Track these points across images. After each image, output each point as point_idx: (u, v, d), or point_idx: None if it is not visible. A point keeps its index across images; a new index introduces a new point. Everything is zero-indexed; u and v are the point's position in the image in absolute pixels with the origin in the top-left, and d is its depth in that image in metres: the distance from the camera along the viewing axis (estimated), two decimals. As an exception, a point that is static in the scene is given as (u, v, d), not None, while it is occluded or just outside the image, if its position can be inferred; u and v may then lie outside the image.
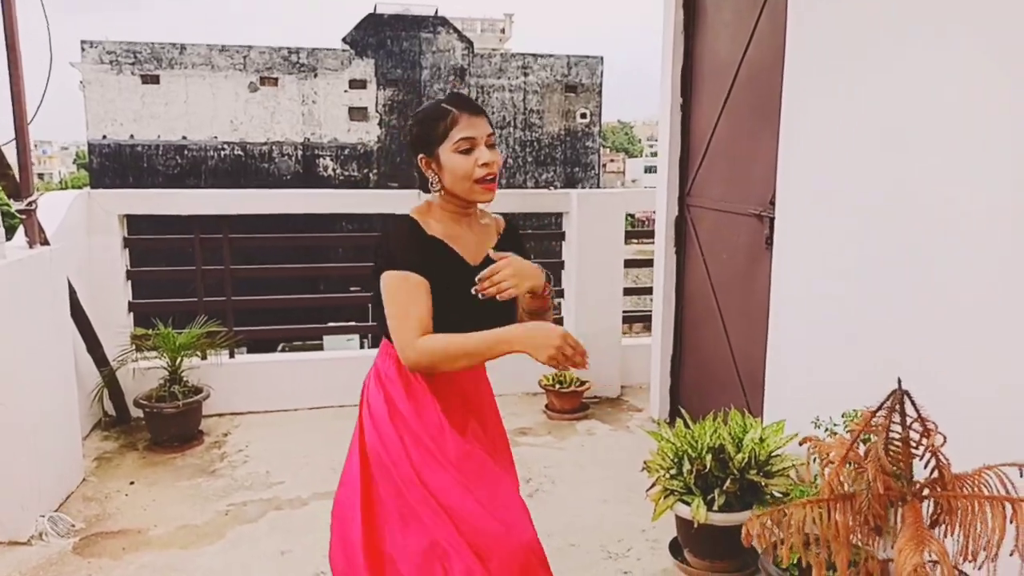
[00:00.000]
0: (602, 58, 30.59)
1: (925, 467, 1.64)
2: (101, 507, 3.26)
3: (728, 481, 2.62)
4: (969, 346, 2.02)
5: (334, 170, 28.36)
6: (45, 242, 3.31)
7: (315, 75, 28.29)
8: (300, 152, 28.31)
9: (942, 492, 1.56)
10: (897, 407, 1.59)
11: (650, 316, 4.40)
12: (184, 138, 27.75)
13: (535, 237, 7.10)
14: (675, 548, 2.86)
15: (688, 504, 2.63)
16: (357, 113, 28.62)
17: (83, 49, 27.01)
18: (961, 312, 2.04)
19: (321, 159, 28.49)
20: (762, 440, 2.71)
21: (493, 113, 28.90)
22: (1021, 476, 1.58)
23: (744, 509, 2.61)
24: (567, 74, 30.30)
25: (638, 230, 5.07)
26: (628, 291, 4.92)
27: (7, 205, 3.10)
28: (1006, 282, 1.90)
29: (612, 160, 70.14)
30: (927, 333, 2.16)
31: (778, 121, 2.90)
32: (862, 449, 1.67)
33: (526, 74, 29.79)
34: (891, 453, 1.61)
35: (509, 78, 29.61)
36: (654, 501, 2.72)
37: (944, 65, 2.08)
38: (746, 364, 3.35)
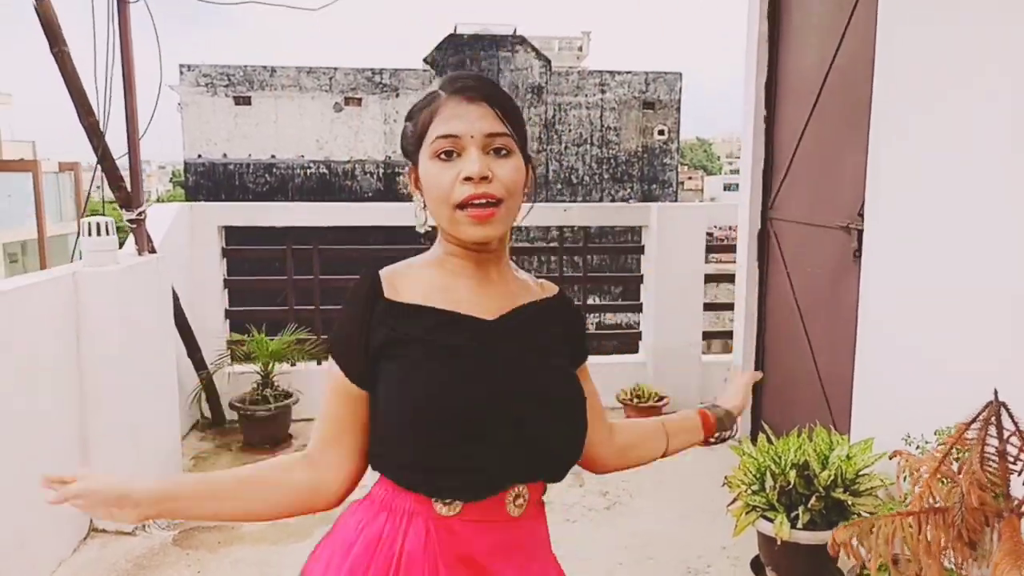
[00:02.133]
0: (680, 74, 30.30)
1: (1025, 484, 1.59)
2: (198, 502, 3.43)
3: (813, 499, 2.56)
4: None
5: (414, 187, 28.96)
6: (152, 250, 3.54)
7: (397, 95, 29.04)
8: (381, 170, 29.05)
9: (1043, 509, 1.51)
10: (993, 419, 1.55)
11: (729, 333, 4.35)
12: (273, 156, 28.89)
13: (613, 251, 7.10)
14: (756, 566, 2.81)
15: (771, 520, 2.58)
16: (437, 131, 29.17)
17: (181, 72, 28.52)
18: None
19: (402, 176, 29.11)
20: (849, 458, 2.64)
21: (570, 130, 29.05)
22: None
23: (829, 528, 2.55)
24: (644, 91, 30.13)
25: (717, 245, 5.00)
26: (708, 307, 4.87)
27: (119, 215, 3.31)
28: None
29: (690, 178, 69.22)
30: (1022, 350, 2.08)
31: (867, 131, 2.85)
32: (956, 466, 1.63)
33: (603, 91, 29.77)
34: (987, 467, 1.57)
35: (586, 95, 29.66)
36: (735, 516, 2.69)
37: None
38: (832, 381, 3.27)
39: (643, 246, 4.74)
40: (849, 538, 1.58)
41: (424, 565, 1.08)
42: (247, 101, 28.76)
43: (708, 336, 5.02)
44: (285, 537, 3.12)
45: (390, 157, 29.02)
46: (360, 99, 29.04)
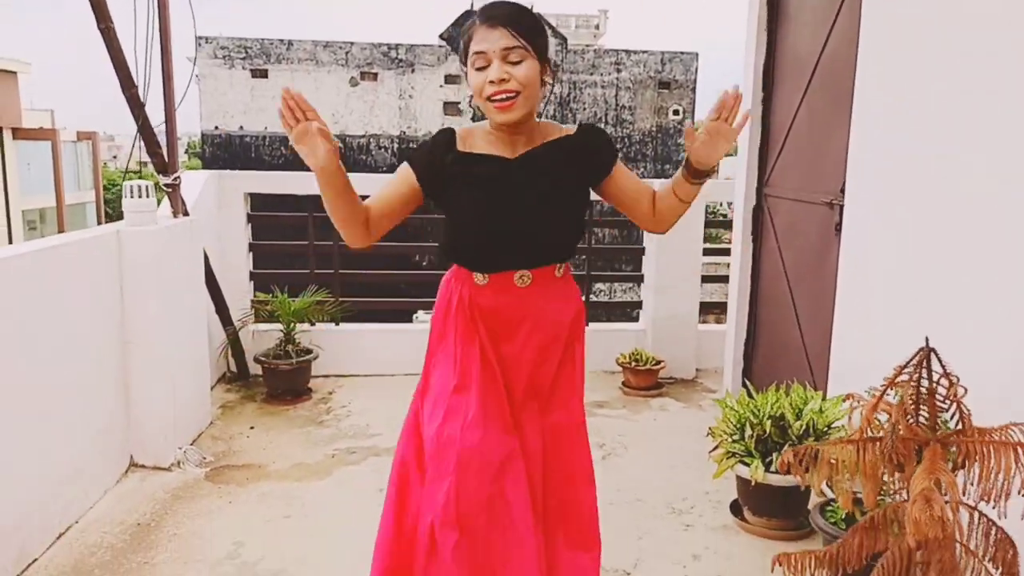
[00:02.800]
0: (697, 54, 30.22)
1: (951, 419, 1.85)
2: (227, 445, 3.75)
3: (786, 446, 2.83)
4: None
5: (428, 163, 29.16)
6: (186, 213, 3.81)
7: (412, 70, 29.18)
8: (396, 145, 29.25)
9: (963, 438, 1.76)
10: (924, 363, 1.80)
11: (724, 304, 4.59)
12: (289, 130, 29.12)
13: (619, 224, 7.34)
14: (735, 508, 3.09)
15: (747, 465, 2.86)
16: (451, 108, 29.29)
17: (199, 45, 28.72)
18: (1016, 296, 2.20)
19: (416, 151, 29.32)
20: (821, 411, 2.91)
21: (584, 109, 29.10)
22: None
23: (800, 472, 2.82)
24: (660, 70, 30.10)
25: (715, 220, 5.22)
26: (705, 279, 5.11)
27: (155, 179, 3.58)
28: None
29: (705, 158, 68.86)
30: (983, 313, 2.32)
31: (850, 113, 3.08)
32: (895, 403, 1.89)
33: (619, 70, 29.74)
34: (919, 404, 1.82)
35: (602, 74, 29.67)
36: (716, 462, 2.96)
37: (1015, 59, 2.24)
38: (814, 345, 3.52)
39: (646, 220, 4.97)
40: (795, 459, 1.84)
41: (466, 309, 1.84)
42: (264, 74, 28.98)
43: (705, 308, 5.27)
44: (307, 476, 3.42)
45: (404, 132, 29.21)
46: (376, 74, 29.20)
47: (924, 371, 1.81)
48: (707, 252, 5.22)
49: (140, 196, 3.29)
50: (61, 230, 30.43)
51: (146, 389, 3.39)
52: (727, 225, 5.19)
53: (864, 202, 3.00)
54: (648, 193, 1.86)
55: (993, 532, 1.83)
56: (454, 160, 1.76)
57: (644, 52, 30.08)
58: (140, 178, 3.47)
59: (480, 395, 1.81)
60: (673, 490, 3.32)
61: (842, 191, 3.18)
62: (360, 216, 1.75)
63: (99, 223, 33.38)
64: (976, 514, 1.84)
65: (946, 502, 1.63)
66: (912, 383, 1.81)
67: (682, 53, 30.29)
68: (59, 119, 37.22)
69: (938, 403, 1.82)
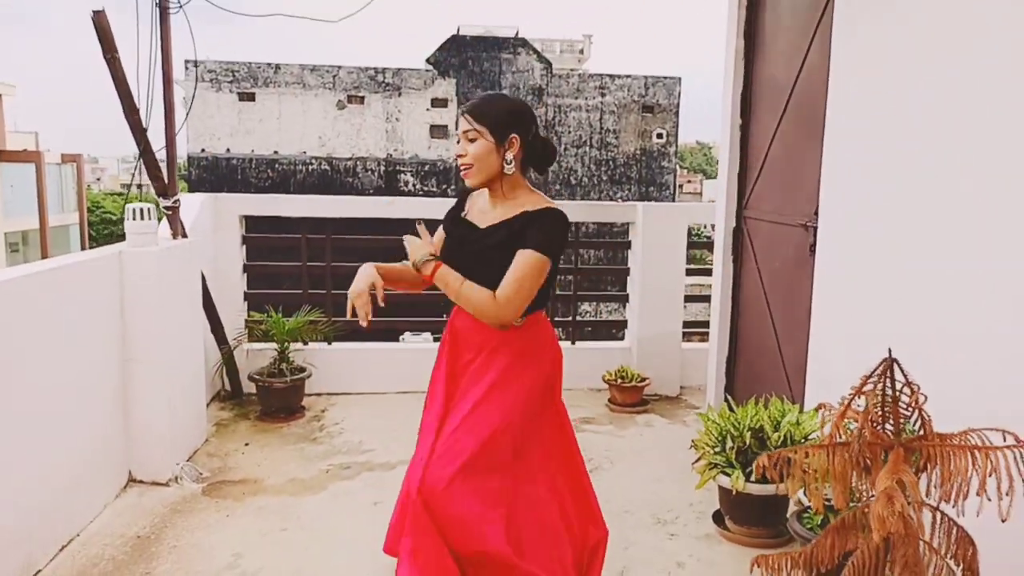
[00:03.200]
0: (680, 79, 30.71)
1: (914, 425, 1.98)
2: (222, 462, 3.83)
3: (788, 481, 2.95)
4: (994, 344, 2.34)
5: (414, 185, 29.35)
6: (184, 235, 3.92)
7: (399, 94, 29.43)
8: (383, 167, 29.43)
9: (924, 443, 1.90)
10: (888, 373, 1.94)
11: (707, 324, 4.74)
12: (275, 152, 29.25)
13: (605, 246, 7.51)
14: (718, 518, 3.21)
15: (729, 475, 2.98)
16: (438, 131, 29.55)
17: (187, 68, 28.87)
18: (979, 312, 2.36)
19: (402, 174, 29.52)
20: (798, 423, 3.04)
21: (569, 132, 29.46)
22: (1004, 440, 1.90)
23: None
24: (644, 94, 30.53)
25: (699, 242, 5.36)
26: (692, 299, 5.26)
27: (156, 202, 3.69)
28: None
29: (689, 181, 69.61)
30: (944, 327, 2.47)
31: (822, 139, 3.25)
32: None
33: (603, 94, 30.15)
34: (885, 411, 1.96)
35: (586, 98, 30.05)
36: (699, 472, 3.09)
37: (972, 87, 2.41)
38: (792, 361, 3.67)
39: (630, 242, 5.13)
40: (770, 463, 1.97)
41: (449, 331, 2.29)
42: (251, 97, 29.14)
43: (689, 329, 5.41)
44: (302, 491, 3.51)
45: (391, 155, 29.41)
46: (363, 97, 29.43)
47: (888, 380, 1.94)
48: (692, 272, 5.38)
49: (142, 218, 3.40)
50: (44, 253, 30.25)
51: (145, 406, 3.48)
52: (710, 247, 5.36)
53: (836, 224, 3.16)
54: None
55: (954, 531, 1.96)
56: (454, 221, 2.29)
57: (628, 76, 30.55)
58: (127, 201, 3.58)
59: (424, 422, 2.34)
60: (658, 502, 3.43)
61: (816, 213, 3.35)
62: (414, 278, 2.27)
63: (83, 246, 33.23)
64: (938, 514, 1.97)
65: (908, 501, 1.76)
66: (877, 392, 1.95)
67: (665, 78, 30.77)
68: (42, 142, 37.07)
69: (901, 410, 1.95)
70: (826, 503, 2.45)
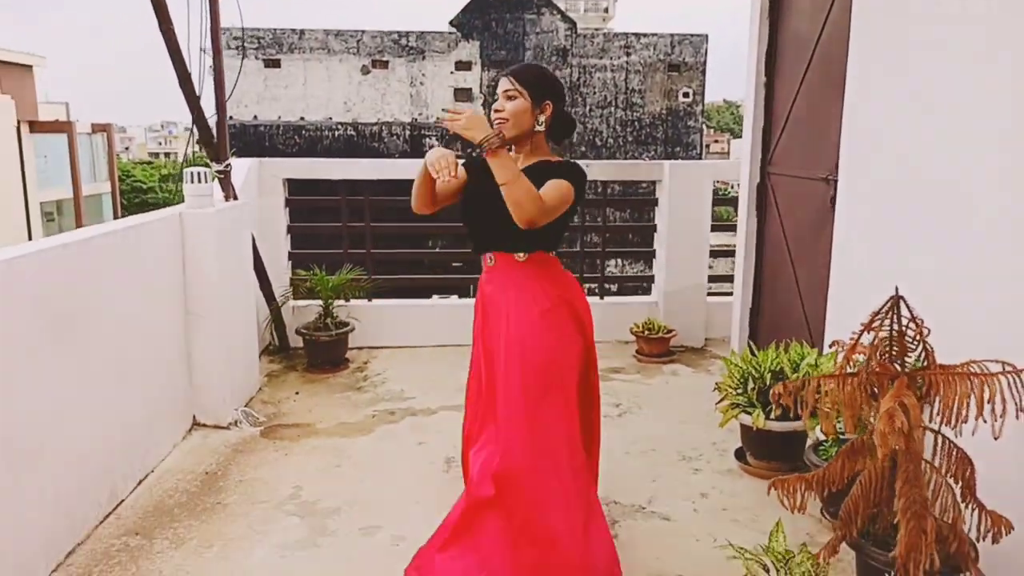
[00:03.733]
0: (707, 36, 30.24)
1: (919, 358, 2.17)
2: (276, 408, 4.12)
3: (802, 408, 3.16)
4: (993, 283, 2.50)
5: (440, 149, 29.41)
6: (236, 197, 4.16)
7: (423, 57, 29.39)
8: (408, 132, 29.54)
9: (927, 372, 2.09)
10: (894, 309, 2.13)
11: (732, 279, 4.91)
12: (302, 119, 29.46)
13: (632, 203, 7.64)
14: (739, 454, 3.43)
15: (750, 414, 3.19)
16: (462, 94, 29.53)
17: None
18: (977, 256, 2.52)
19: (427, 138, 29.59)
20: (816, 365, 3.23)
21: (594, 93, 29.28)
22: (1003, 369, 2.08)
23: (795, 420, 3.15)
24: (670, 53, 30.15)
25: (727, 198, 5.50)
26: (715, 253, 5.43)
27: (208, 166, 3.93)
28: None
29: (716, 140, 68.72)
30: (952, 271, 2.64)
31: (843, 96, 3.38)
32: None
33: (628, 54, 29.82)
34: (892, 344, 2.15)
35: (611, 58, 29.77)
36: (722, 412, 3.30)
37: (995, 48, 2.54)
38: (812, 309, 3.84)
39: (656, 199, 5.29)
40: (785, 391, 2.18)
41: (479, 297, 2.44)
42: (276, 64, 29.29)
43: (716, 280, 5.58)
44: (352, 432, 3.79)
45: (416, 119, 29.48)
46: (387, 62, 29.44)
47: (895, 316, 2.13)
48: (717, 228, 5.53)
49: (199, 181, 3.64)
50: (79, 222, 30.92)
51: (206, 356, 3.76)
52: (735, 204, 5.50)
53: (854, 175, 3.31)
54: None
55: (954, 452, 2.16)
56: (478, 166, 2.36)
57: (653, 35, 30.15)
58: (184, 166, 3.82)
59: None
60: (683, 441, 3.66)
61: (836, 167, 3.49)
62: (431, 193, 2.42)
63: (115, 214, 33.88)
64: (940, 437, 2.17)
65: (909, 421, 1.96)
66: (884, 327, 2.14)
67: (691, 36, 30.33)
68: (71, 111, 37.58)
69: (907, 343, 2.14)
70: (840, 435, 2.66)
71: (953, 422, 2.05)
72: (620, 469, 3.36)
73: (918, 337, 2.12)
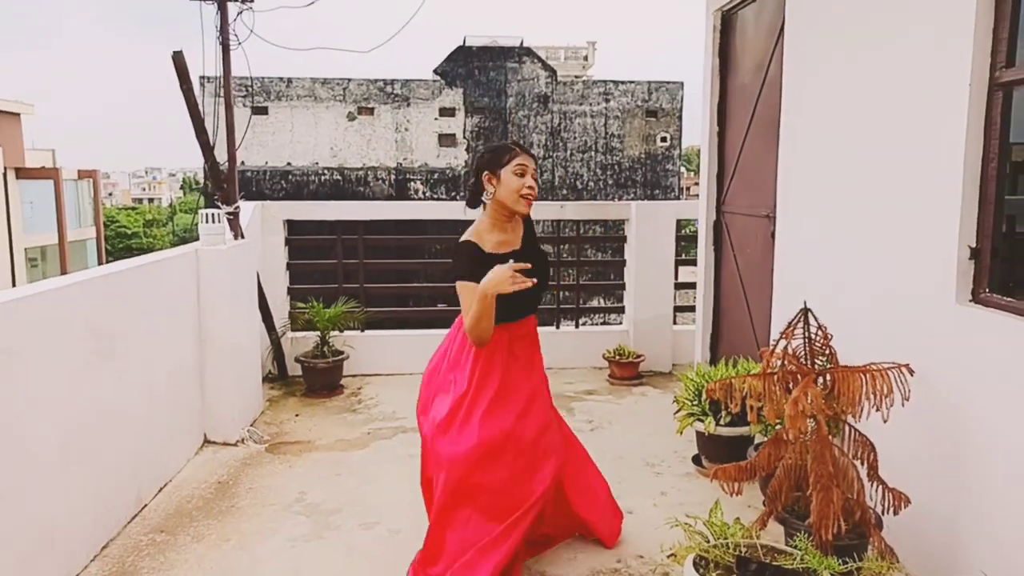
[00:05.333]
0: (682, 83, 31.28)
1: (827, 360, 2.63)
2: (279, 428, 4.50)
3: (731, 403, 3.60)
4: (896, 297, 2.98)
5: (424, 193, 30.02)
6: (243, 236, 4.60)
7: (408, 104, 30.18)
8: (393, 176, 30.16)
9: (830, 370, 2.55)
10: (803, 320, 2.59)
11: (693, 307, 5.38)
12: (288, 164, 30.03)
13: (603, 240, 8.15)
14: (696, 460, 3.86)
15: (702, 421, 3.63)
16: (446, 139, 30.26)
17: (202, 84, 29.66)
18: (880, 278, 3.01)
19: (412, 183, 30.21)
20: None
21: (575, 138, 30.15)
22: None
23: (743, 426, 3.59)
24: (647, 99, 31.13)
25: (688, 235, 6.04)
26: (678, 286, 5.91)
27: (220, 208, 4.37)
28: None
29: (696, 183, 70.25)
30: (860, 290, 3.12)
31: (778, 142, 3.90)
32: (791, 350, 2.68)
33: (607, 100, 30.76)
34: (809, 349, 2.61)
35: (591, 104, 30.69)
36: (679, 421, 3.74)
37: (891, 96, 3.06)
38: (760, 331, 4.31)
39: (626, 236, 5.79)
40: (716, 389, 2.62)
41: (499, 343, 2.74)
42: (264, 111, 29.95)
43: (684, 310, 6.06)
44: (349, 447, 4.18)
45: (401, 164, 30.17)
46: (372, 108, 30.20)
47: (805, 326, 2.60)
48: (684, 263, 6.02)
49: (213, 222, 4.09)
50: (64, 268, 31.08)
51: (217, 379, 4.16)
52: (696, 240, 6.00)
53: (788, 213, 3.81)
54: None
55: (858, 438, 2.61)
56: (483, 262, 2.60)
57: (631, 82, 31.18)
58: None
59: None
60: (648, 451, 4.08)
61: (775, 205, 4.00)
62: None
63: (99, 260, 34.09)
64: (846, 427, 2.62)
65: (812, 408, 2.41)
66: (795, 335, 2.61)
67: (668, 83, 31.40)
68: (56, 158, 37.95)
69: (815, 348, 2.61)
70: (769, 425, 3.11)
71: (855, 412, 2.51)
72: (590, 474, 3.77)
73: (824, 342, 2.58)
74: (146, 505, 3.43)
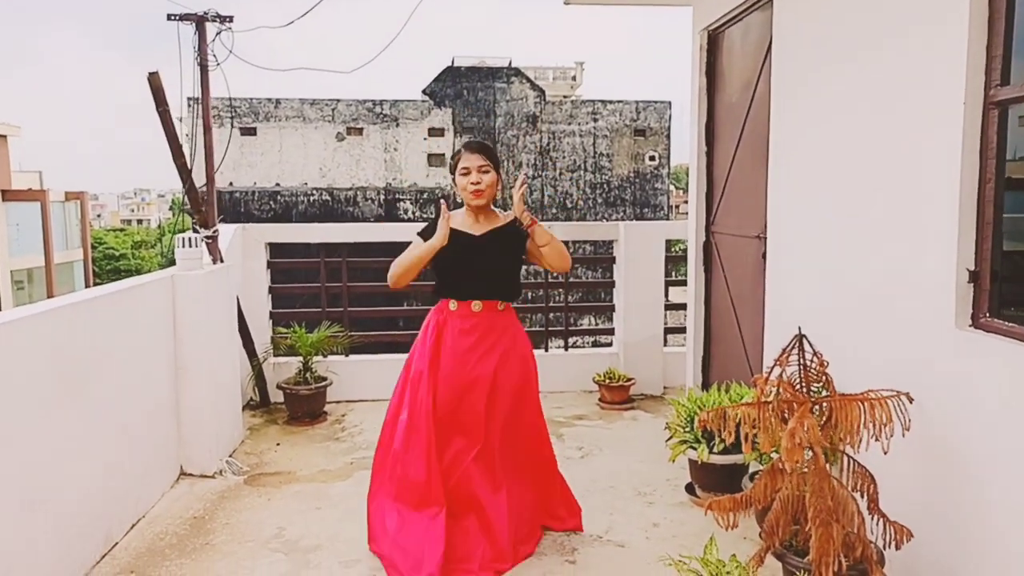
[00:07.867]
0: (670, 102, 31.49)
1: (823, 388, 2.53)
2: (259, 458, 4.36)
3: (724, 433, 3.50)
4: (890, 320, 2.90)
5: (413, 213, 29.97)
6: (222, 260, 4.49)
7: (397, 124, 30.21)
8: (382, 196, 30.12)
9: (827, 398, 2.45)
10: (799, 346, 2.50)
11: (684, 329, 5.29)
12: (277, 185, 29.95)
13: (592, 260, 8.06)
14: (689, 488, 3.74)
15: (695, 449, 3.52)
16: (435, 159, 30.27)
17: (190, 105, 29.53)
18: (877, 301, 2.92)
19: (401, 202, 30.19)
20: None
21: (564, 157, 30.21)
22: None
23: (736, 454, 3.48)
24: (636, 118, 31.29)
25: (677, 255, 5.95)
26: (669, 306, 5.82)
27: (198, 231, 4.26)
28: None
29: (686, 201, 70.65)
30: (856, 313, 3.03)
31: (767, 163, 3.83)
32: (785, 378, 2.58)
33: (596, 119, 30.90)
34: (804, 376, 2.52)
35: (579, 124, 30.81)
36: (672, 448, 3.62)
37: (884, 115, 2.99)
38: (753, 353, 4.22)
39: (614, 257, 5.70)
40: (709, 418, 2.52)
41: (442, 329, 3.06)
42: (252, 132, 29.89)
43: (675, 331, 5.97)
44: (331, 479, 4.04)
45: (390, 184, 30.12)
46: (361, 129, 30.20)
47: (800, 353, 2.50)
48: (675, 284, 5.93)
49: (190, 246, 3.97)
50: (50, 290, 30.78)
51: (194, 409, 4.02)
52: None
53: (779, 233, 3.73)
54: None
55: (857, 469, 2.51)
56: (455, 227, 3.07)
57: (619, 102, 31.34)
58: (175, 232, 4.15)
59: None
60: (639, 479, 3.97)
61: (765, 226, 3.92)
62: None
63: (87, 282, 33.80)
64: (845, 458, 2.52)
65: (809, 439, 2.30)
66: (791, 362, 2.51)
67: (656, 102, 31.58)
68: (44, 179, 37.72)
69: (811, 375, 2.51)
70: (764, 453, 3.00)
71: (854, 442, 2.41)
72: (581, 504, 3.62)
73: (820, 369, 2.49)
74: (116, 543, 3.28)
